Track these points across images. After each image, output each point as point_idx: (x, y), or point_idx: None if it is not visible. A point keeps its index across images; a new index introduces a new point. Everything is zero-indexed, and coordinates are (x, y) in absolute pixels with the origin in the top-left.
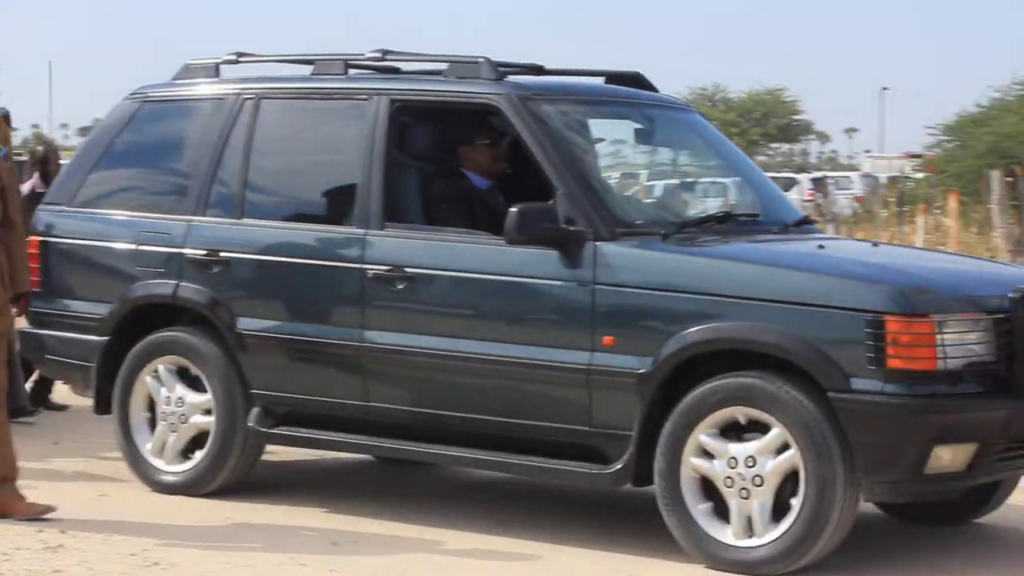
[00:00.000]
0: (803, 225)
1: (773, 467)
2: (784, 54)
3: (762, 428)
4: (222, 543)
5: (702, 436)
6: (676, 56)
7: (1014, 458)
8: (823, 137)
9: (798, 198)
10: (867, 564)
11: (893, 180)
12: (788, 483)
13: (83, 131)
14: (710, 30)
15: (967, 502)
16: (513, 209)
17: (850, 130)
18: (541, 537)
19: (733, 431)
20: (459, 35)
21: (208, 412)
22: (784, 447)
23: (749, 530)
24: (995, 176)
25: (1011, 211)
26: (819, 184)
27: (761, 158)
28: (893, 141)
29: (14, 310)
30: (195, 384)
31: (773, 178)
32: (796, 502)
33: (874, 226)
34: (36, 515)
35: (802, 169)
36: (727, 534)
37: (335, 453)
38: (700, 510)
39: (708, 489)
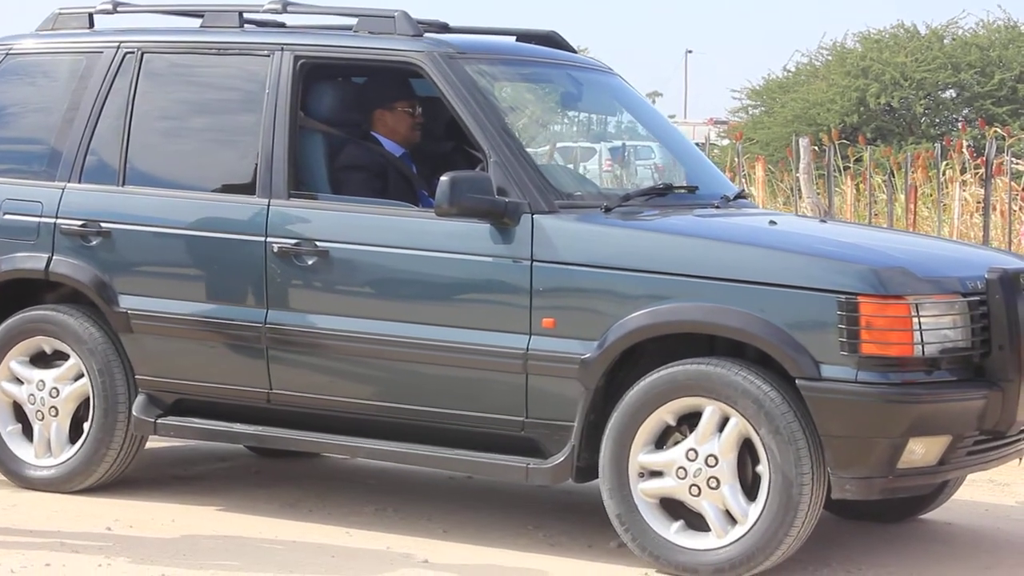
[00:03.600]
0: (740, 199)
1: (730, 465)
2: (590, 15)
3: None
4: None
5: (648, 427)
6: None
7: (982, 451)
8: None
9: (597, 168)
10: (823, 563)
11: (700, 147)
12: (750, 477)
13: None
14: None
15: (917, 497)
16: (444, 178)
17: (653, 94)
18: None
19: (688, 422)
20: None
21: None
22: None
23: (729, 526)
24: (803, 144)
25: (819, 181)
26: (618, 153)
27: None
28: (698, 106)
29: None
30: (53, 365)
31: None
32: (759, 500)
33: None
34: None
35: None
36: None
37: (212, 444)
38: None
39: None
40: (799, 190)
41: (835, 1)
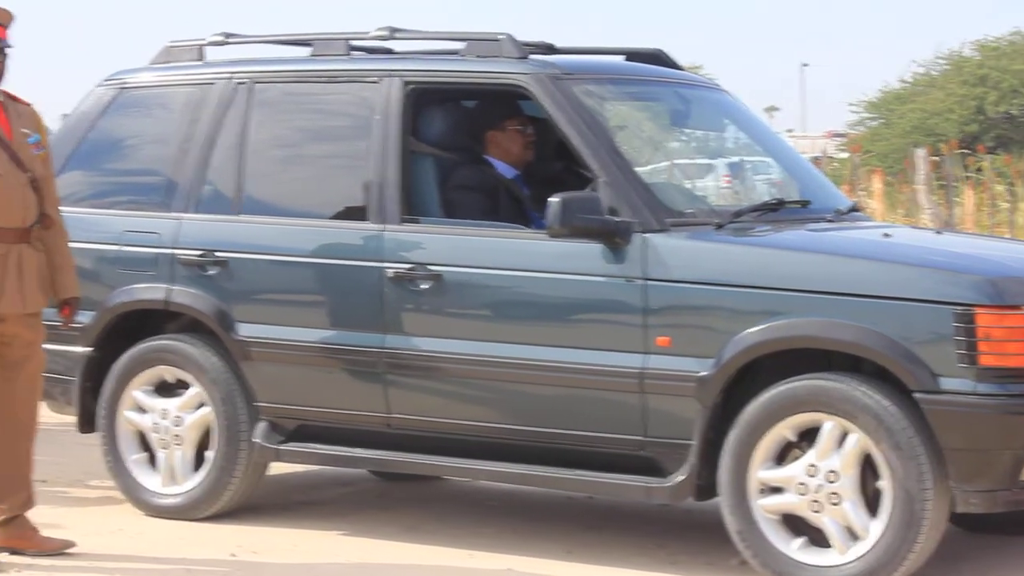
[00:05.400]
0: (853, 212)
1: (851, 481)
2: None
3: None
4: None
5: (768, 443)
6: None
7: None
8: None
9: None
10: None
11: (816, 160)
12: (871, 492)
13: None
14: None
15: None
16: (554, 199)
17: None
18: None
19: (808, 438)
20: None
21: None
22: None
23: (851, 542)
24: (920, 155)
25: (938, 191)
26: (736, 169)
27: None
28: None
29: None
30: (176, 393)
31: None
32: (882, 515)
33: None
34: (52, 551)
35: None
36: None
37: (334, 469)
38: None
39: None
40: (918, 201)
41: (951, 10)
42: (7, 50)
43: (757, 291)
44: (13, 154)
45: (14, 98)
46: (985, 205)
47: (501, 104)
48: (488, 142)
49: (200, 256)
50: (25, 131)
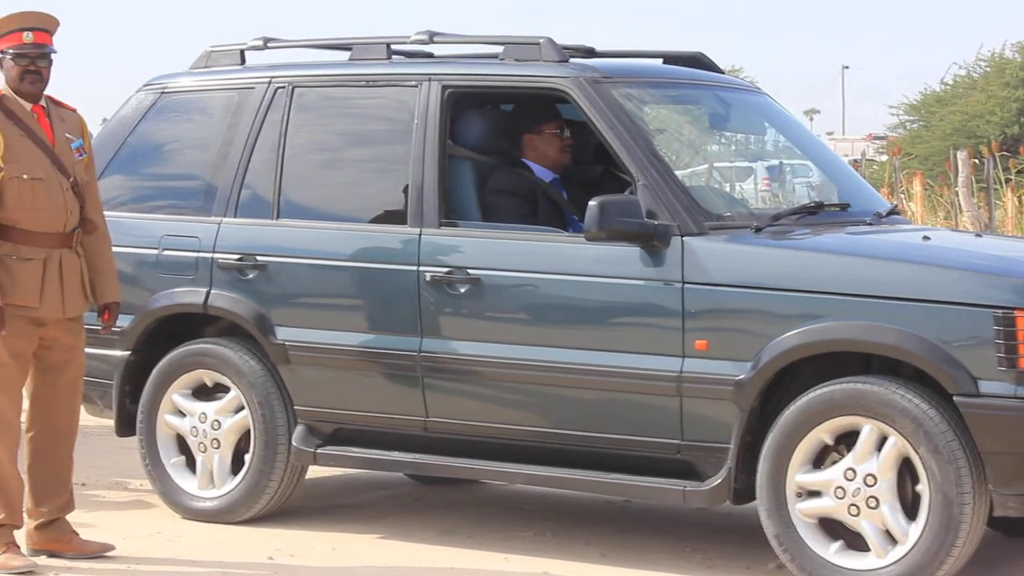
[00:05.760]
0: (893, 215)
1: (889, 484)
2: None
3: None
4: None
5: (806, 447)
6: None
7: None
8: None
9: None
10: None
11: (856, 163)
12: (909, 496)
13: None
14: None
15: None
16: (593, 203)
17: (811, 111)
18: (584, 555)
19: (845, 441)
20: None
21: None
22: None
23: (889, 546)
24: (961, 157)
25: (979, 194)
26: (775, 172)
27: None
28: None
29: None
30: (215, 397)
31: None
32: (920, 519)
33: None
34: (90, 554)
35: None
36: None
37: (370, 473)
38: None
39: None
40: (959, 204)
41: (992, 11)
42: (52, 56)
43: (796, 294)
44: (55, 159)
45: (58, 103)
46: None
47: (538, 108)
48: (525, 146)
49: (239, 260)
50: (68, 136)
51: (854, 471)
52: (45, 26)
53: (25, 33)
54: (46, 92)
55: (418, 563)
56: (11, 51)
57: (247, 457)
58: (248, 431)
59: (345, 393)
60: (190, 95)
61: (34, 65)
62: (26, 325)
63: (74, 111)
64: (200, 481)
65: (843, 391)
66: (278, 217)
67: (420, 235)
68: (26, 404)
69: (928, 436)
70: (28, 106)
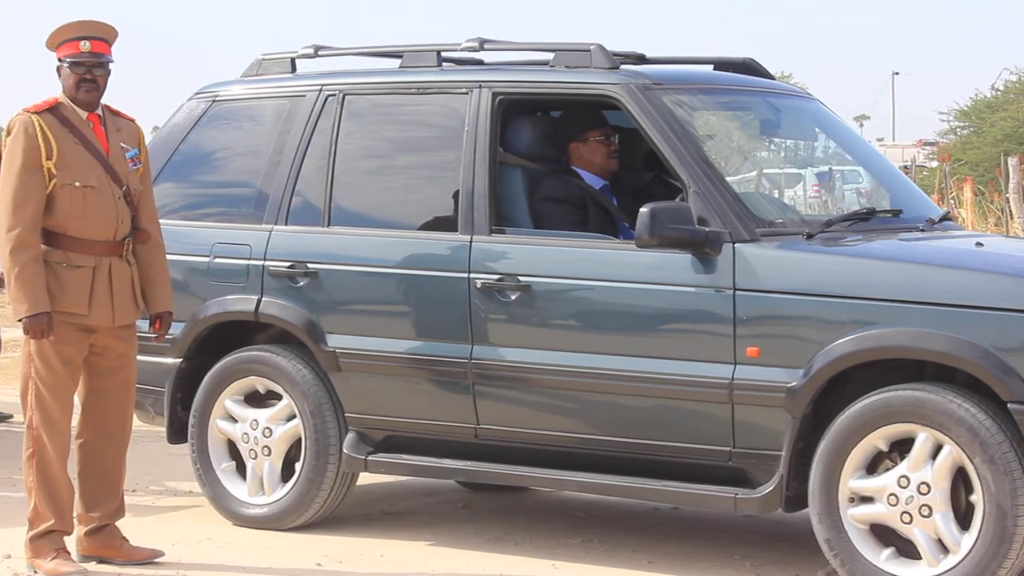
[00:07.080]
0: (945, 221)
1: (943, 493)
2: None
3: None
4: None
5: (859, 453)
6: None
7: None
8: None
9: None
10: None
11: (906, 170)
12: (963, 505)
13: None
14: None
15: None
16: (644, 209)
17: (861, 117)
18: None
19: (899, 448)
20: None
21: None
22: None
23: (941, 555)
24: (1012, 163)
25: None
26: (825, 179)
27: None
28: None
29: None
30: (266, 404)
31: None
32: (973, 529)
33: None
34: (140, 560)
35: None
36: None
37: (418, 480)
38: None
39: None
40: (1010, 211)
41: None
42: (109, 65)
43: (848, 301)
44: (109, 167)
45: (116, 112)
46: None
47: (584, 115)
48: (571, 153)
49: (290, 267)
50: (124, 145)
51: (908, 479)
52: (103, 35)
53: (83, 42)
54: (104, 101)
55: (466, 570)
56: (68, 59)
57: (297, 465)
58: (299, 439)
59: (396, 400)
60: (241, 103)
61: (90, 74)
62: (76, 332)
63: (132, 121)
64: (250, 488)
65: (899, 398)
66: (329, 224)
67: (471, 242)
68: (79, 410)
69: (984, 446)
70: (84, 114)
